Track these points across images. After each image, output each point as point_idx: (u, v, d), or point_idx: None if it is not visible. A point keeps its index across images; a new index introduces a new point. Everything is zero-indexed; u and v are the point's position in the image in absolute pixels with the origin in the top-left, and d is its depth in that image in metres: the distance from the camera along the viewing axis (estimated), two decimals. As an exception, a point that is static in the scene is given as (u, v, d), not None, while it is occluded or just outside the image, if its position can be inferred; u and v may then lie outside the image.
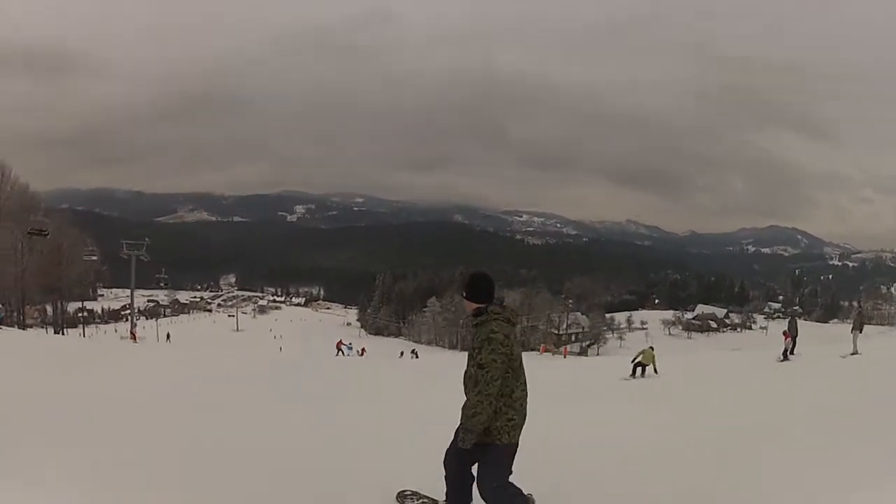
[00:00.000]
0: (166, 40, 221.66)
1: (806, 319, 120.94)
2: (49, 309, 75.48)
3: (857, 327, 21.00)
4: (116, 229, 72.31)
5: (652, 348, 21.52)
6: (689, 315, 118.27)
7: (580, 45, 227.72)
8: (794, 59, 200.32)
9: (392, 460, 6.35)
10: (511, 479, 4.39)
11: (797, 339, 22.47)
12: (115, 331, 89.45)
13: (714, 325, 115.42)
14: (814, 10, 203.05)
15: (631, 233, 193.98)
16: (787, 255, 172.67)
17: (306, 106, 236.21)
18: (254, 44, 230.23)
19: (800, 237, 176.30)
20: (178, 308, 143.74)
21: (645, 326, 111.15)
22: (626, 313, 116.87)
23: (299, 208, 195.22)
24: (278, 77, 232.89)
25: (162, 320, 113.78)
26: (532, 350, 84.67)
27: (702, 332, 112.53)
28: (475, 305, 4.44)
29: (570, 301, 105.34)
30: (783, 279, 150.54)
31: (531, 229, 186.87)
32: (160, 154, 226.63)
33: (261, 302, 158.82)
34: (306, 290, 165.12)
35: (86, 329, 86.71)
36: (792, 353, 21.76)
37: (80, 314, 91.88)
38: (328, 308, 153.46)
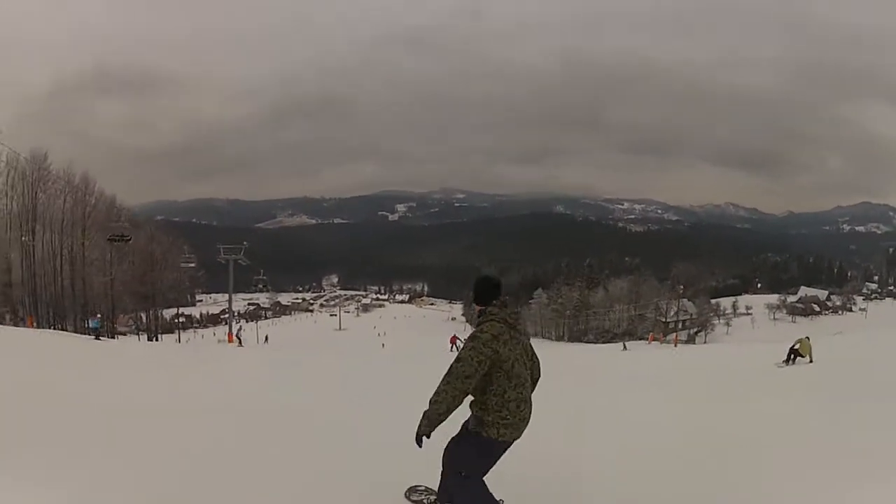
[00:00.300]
0: (255, 51, 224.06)
1: None
2: (144, 316, 76.14)
3: None
4: (214, 237, 74.01)
5: (808, 338, 22.17)
6: (792, 298, 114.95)
7: (674, 24, 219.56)
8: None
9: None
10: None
11: None
12: (214, 334, 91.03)
13: (817, 308, 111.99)
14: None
15: (730, 216, 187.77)
16: (880, 232, 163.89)
17: (403, 107, 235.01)
18: (345, 47, 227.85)
19: (892, 214, 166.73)
20: (280, 310, 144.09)
21: (750, 311, 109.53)
22: (731, 298, 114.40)
23: (400, 207, 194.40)
24: (369, 79, 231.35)
25: (263, 322, 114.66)
26: (640, 339, 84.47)
27: (805, 315, 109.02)
28: (479, 307, 4.63)
29: (682, 287, 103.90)
30: (878, 259, 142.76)
31: (632, 217, 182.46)
32: (257, 163, 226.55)
33: (364, 300, 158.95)
34: (409, 286, 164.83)
35: (182, 334, 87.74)
36: None
37: (176, 320, 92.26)
38: (432, 304, 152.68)
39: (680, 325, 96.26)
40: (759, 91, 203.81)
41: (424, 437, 4.27)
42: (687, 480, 6.09)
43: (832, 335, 45.38)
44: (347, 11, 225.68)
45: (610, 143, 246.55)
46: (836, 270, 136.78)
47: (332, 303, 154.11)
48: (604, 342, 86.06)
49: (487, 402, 4.31)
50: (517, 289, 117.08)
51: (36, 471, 5.47)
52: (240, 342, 46.02)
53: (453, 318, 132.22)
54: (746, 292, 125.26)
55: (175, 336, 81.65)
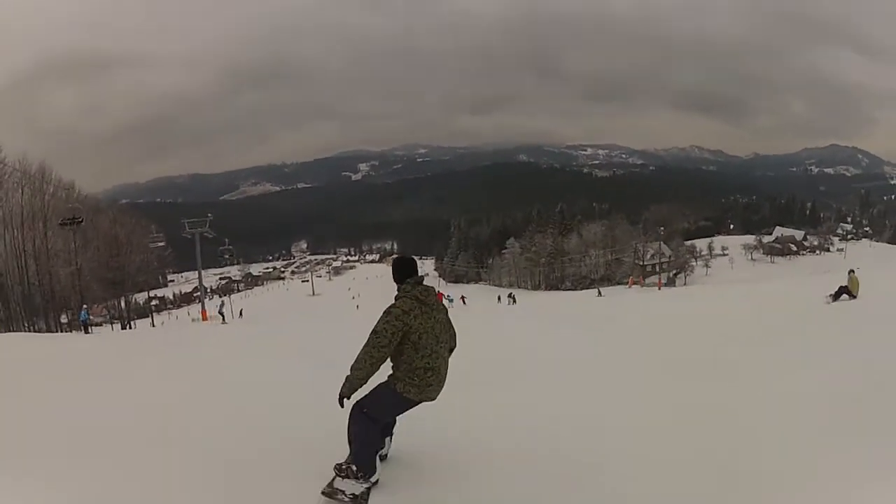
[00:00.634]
0: (201, 21, 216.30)
1: (877, 241, 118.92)
2: (118, 304, 72.25)
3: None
4: (179, 214, 70.58)
5: (852, 271, 19.33)
6: (767, 238, 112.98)
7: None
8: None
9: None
10: None
11: None
12: (188, 314, 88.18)
13: (794, 248, 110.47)
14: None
15: (695, 158, 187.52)
16: (849, 175, 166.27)
17: (358, 65, 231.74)
18: (293, 8, 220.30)
19: (860, 157, 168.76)
20: (252, 281, 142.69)
21: (726, 252, 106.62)
22: (706, 240, 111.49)
23: (363, 166, 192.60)
24: (321, 40, 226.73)
25: (235, 295, 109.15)
26: (619, 284, 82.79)
27: (783, 255, 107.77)
28: (398, 285, 4.88)
29: (662, 229, 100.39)
30: (852, 200, 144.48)
31: (597, 162, 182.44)
32: (215, 134, 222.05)
33: (334, 263, 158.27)
34: (379, 246, 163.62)
35: (157, 317, 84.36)
36: None
37: (150, 303, 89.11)
38: None
39: (657, 268, 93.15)
40: (721, 37, 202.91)
41: (346, 399, 4.67)
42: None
43: (824, 273, 43.18)
44: None
45: (571, 90, 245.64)
46: (808, 211, 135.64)
47: (304, 269, 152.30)
48: (581, 288, 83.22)
49: (399, 366, 4.73)
50: (487, 240, 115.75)
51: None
52: (223, 318, 41.17)
53: (426, 274, 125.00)
54: (719, 233, 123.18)
55: (149, 320, 77.15)
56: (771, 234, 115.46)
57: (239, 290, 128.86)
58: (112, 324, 66.86)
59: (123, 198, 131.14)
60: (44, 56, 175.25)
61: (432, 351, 4.73)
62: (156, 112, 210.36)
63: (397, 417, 5.24)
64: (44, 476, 5.19)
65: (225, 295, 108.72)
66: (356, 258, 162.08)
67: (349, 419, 4.85)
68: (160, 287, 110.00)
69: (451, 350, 5.15)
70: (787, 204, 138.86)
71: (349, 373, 4.59)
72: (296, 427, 6.39)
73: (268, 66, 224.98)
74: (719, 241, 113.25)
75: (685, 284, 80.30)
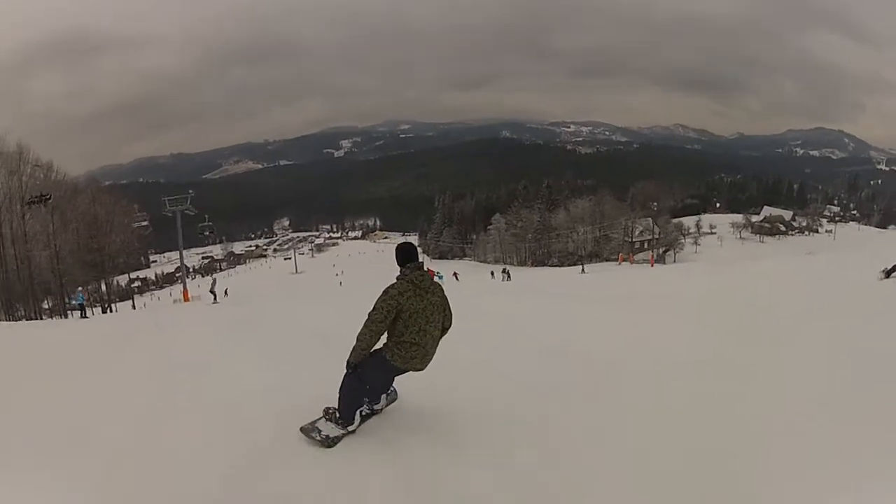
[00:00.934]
0: (191, 2, 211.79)
1: (866, 224, 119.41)
2: (100, 286, 69.16)
3: None
4: (162, 194, 67.64)
5: None
6: (756, 218, 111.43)
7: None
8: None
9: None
10: None
11: None
12: (170, 294, 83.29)
13: (783, 228, 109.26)
14: None
15: (679, 136, 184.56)
16: (834, 158, 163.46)
17: (339, 41, 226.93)
18: None
19: (846, 140, 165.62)
20: (234, 260, 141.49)
21: (714, 230, 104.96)
22: (693, 218, 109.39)
23: (345, 143, 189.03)
24: (303, 16, 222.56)
25: (218, 275, 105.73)
26: (608, 261, 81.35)
27: (772, 234, 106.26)
28: (399, 268, 5.37)
29: (655, 204, 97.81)
30: (839, 183, 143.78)
31: (580, 139, 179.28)
32: (197, 113, 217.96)
33: (317, 241, 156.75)
34: (362, 222, 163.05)
35: (139, 298, 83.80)
36: None
37: (132, 285, 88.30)
38: (386, 238, 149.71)
39: (646, 245, 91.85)
40: (710, 16, 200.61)
41: (352, 365, 5.34)
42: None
43: (806, 254, 44.16)
44: None
45: (556, 67, 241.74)
46: (795, 192, 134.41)
47: (286, 246, 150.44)
48: (569, 265, 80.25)
49: (391, 338, 5.26)
50: (472, 215, 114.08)
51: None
52: (214, 298, 38.53)
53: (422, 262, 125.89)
54: (706, 212, 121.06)
55: (131, 303, 76.87)
56: (759, 213, 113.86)
57: (222, 269, 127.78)
58: (92, 307, 63.50)
59: (107, 179, 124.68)
60: (29, 37, 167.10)
61: (420, 329, 5.21)
62: (142, 92, 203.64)
63: (395, 380, 5.77)
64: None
65: (208, 273, 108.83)
66: (339, 235, 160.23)
67: (343, 376, 5.41)
68: (142, 268, 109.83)
69: (446, 329, 5.63)
70: (774, 184, 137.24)
71: (355, 342, 5.19)
72: (294, 388, 6.78)
73: (257, 44, 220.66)
74: (707, 219, 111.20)
75: (674, 262, 78.27)
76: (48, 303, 57.69)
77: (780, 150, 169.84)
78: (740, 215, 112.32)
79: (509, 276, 43.90)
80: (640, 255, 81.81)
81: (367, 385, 5.44)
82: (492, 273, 54.81)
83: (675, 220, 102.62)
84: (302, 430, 5.42)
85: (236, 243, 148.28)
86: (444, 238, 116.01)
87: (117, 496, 4.71)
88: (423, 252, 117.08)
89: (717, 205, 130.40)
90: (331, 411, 5.49)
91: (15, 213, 55.15)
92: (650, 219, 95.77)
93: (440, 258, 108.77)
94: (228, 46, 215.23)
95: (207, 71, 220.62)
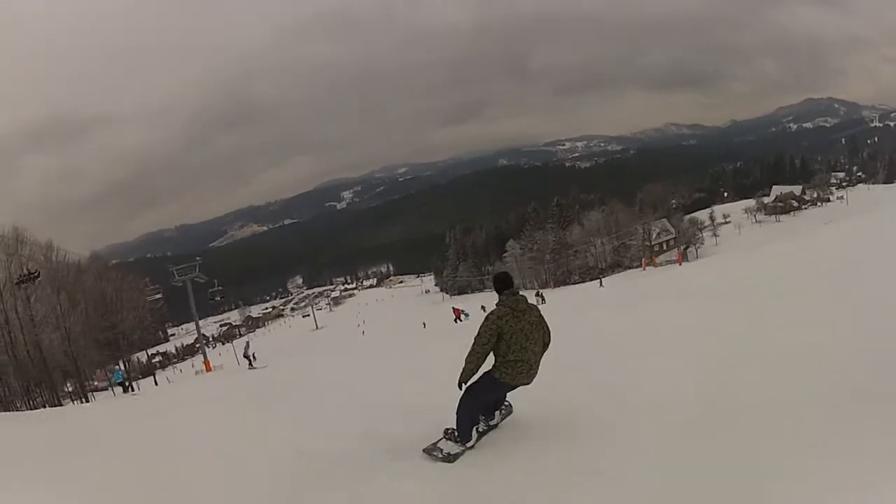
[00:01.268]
0: (166, 70, 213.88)
1: (874, 183, 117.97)
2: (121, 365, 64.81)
3: None
4: (170, 266, 66.38)
5: None
6: (767, 199, 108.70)
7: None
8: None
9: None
10: None
11: None
12: (192, 366, 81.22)
13: (795, 203, 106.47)
14: None
15: (673, 135, 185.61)
16: (829, 125, 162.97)
17: (327, 92, 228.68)
18: (256, 46, 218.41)
19: (837, 106, 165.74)
20: (253, 323, 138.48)
21: (728, 220, 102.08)
22: (705, 211, 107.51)
23: (346, 194, 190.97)
24: (285, 74, 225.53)
25: (238, 341, 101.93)
26: (630, 269, 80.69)
27: (787, 212, 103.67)
28: (497, 295, 5.75)
29: (674, 202, 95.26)
30: (838, 149, 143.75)
31: (577, 154, 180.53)
32: (198, 182, 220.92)
33: (333, 294, 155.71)
34: (375, 270, 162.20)
35: (162, 373, 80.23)
36: None
37: (152, 360, 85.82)
38: (401, 282, 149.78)
39: (664, 246, 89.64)
40: (685, 11, 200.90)
41: (463, 384, 5.61)
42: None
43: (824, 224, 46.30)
44: (250, 9, 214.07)
45: (541, 87, 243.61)
46: (798, 167, 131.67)
47: (303, 304, 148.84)
48: (591, 279, 77.92)
49: (497, 359, 5.59)
50: (485, 246, 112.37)
51: None
52: (250, 363, 35.26)
53: (427, 291, 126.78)
54: (715, 203, 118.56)
55: (153, 378, 70.84)
56: (769, 194, 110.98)
57: (241, 335, 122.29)
58: (113, 387, 61.66)
59: (114, 258, 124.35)
60: (15, 124, 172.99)
61: (521, 346, 5.54)
62: (134, 169, 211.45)
63: (507, 395, 6.18)
64: None
65: (228, 341, 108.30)
66: (353, 286, 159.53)
67: (460, 398, 5.73)
68: (161, 343, 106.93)
69: (546, 345, 5.93)
70: (776, 163, 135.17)
71: (464, 365, 5.52)
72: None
73: (236, 108, 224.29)
74: (719, 210, 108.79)
75: (697, 258, 75.59)
76: (69, 386, 55.37)
77: (774, 129, 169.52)
78: (751, 200, 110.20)
79: (544, 299, 41.19)
80: (662, 257, 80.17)
81: (482, 403, 5.85)
82: None
83: (688, 216, 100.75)
84: (424, 450, 5.81)
85: (253, 307, 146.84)
86: (460, 273, 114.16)
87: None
88: (442, 290, 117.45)
89: (725, 194, 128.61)
90: (449, 431, 5.87)
91: (19, 297, 52.45)
92: (664, 219, 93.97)
93: (460, 293, 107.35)
94: (213, 113, 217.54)
95: (197, 140, 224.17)
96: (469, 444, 5.68)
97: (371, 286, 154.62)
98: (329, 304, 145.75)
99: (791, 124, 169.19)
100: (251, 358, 35.82)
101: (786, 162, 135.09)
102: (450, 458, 5.56)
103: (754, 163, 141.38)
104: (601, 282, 57.54)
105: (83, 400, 49.45)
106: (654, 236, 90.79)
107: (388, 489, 5.25)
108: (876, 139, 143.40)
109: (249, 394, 13.48)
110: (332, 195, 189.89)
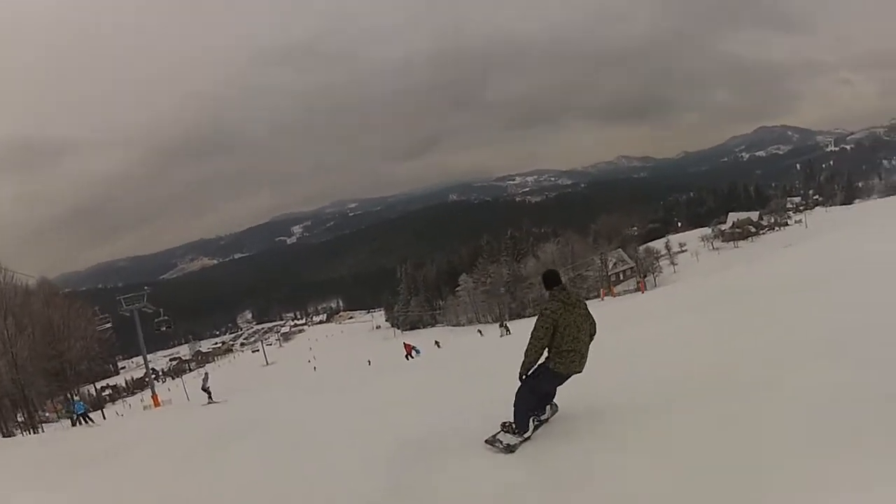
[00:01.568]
0: (127, 102, 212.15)
1: (831, 205, 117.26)
2: (69, 397, 60.79)
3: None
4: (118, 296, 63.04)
5: None
6: (723, 226, 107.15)
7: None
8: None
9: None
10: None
11: None
12: (141, 400, 79.30)
13: (753, 229, 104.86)
14: None
15: (624, 168, 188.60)
16: (782, 153, 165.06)
17: (278, 129, 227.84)
18: (222, 77, 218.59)
19: (790, 133, 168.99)
20: (202, 358, 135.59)
21: (684, 248, 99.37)
22: (661, 241, 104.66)
23: (296, 229, 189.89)
24: (253, 105, 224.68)
25: (188, 375, 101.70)
26: (589, 299, 73.64)
27: (744, 238, 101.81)
28: (546, 291, 5.92)
29: (635, 228, 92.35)
30: (792, 175, 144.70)
31: (527, 189, 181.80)
32: (151, 215, 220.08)
33: (283, 329, 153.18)
34: (324, 306, 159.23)
35: (111, 406, 79.03)
36: None
37: (102, 394, 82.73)
38: (351, 317, 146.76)
39: (621, 276, 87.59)
40: (632, 42, 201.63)
41: (524, 375, 5.83)
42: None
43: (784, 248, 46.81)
44: (215, 48, 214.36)
45: (492, 122, 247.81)
46: (753, 194, 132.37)
47: (253, 339, 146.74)
48: None
49: (552, 350, 5.74)
50: (436, 280, 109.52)
51: None
52: (209, 397, 29.99)
53: (378, 327, 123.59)
54: (669, 233, 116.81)
55: (101, 413, 66.18)
56: (725, 222, 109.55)
57: (191, 370, 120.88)
58: (73, 418, 56.47)
59: (66, 286, 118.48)
60: None
61: (573, 337, 5.68)
62: (91, 197, 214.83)
63: (557, 390, 6.23)
64: None
65: (177, 375, 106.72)
66: (303, 321, 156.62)
67: (517, 391, 5.91)
68: (111, 375, 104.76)
69: (592, 336, 6.02)
70: (730, 191, 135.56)
71: (523, 358, 5.73)
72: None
73: (194, 139, 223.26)
74: (674, 239, 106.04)
75: (655, 286, 71.81)
76: (21, 416, 51.39)
77: (726, 159, 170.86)
78: (707, 228, 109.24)
79: (508, 330, 36.55)
80: (621, 287, 77.73)
81: (538, 394, 5.97)
82: (479, 331, 52.33)
83: (644, 246, 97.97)
84: (486, 441, 6.01)
85: (203, 341, 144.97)
86: (411, 308, 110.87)
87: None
88: (392, 325, 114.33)
89: (679, 224, 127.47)
90: (507, 424, 6.04)
91: (-33, 325, 50.30)
92: (620, 249, 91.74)
93: (411, 328, 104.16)
94: (172, 145, 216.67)
95: (153, 172, 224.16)
96: (527, 435, 5.90)
97: (321, 322, 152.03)
98: (279, 339, 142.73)
99: (743, 153, 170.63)
100: (209, 391, 30.49)
101: (739, 190, 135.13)
102: (510, 450, 5.78)
103: (708, 192, 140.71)
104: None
105: (33, 431, 46.41)
106: (611, 266, 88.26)
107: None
108: (832, 162, 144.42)
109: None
110: (283, 230, 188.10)
